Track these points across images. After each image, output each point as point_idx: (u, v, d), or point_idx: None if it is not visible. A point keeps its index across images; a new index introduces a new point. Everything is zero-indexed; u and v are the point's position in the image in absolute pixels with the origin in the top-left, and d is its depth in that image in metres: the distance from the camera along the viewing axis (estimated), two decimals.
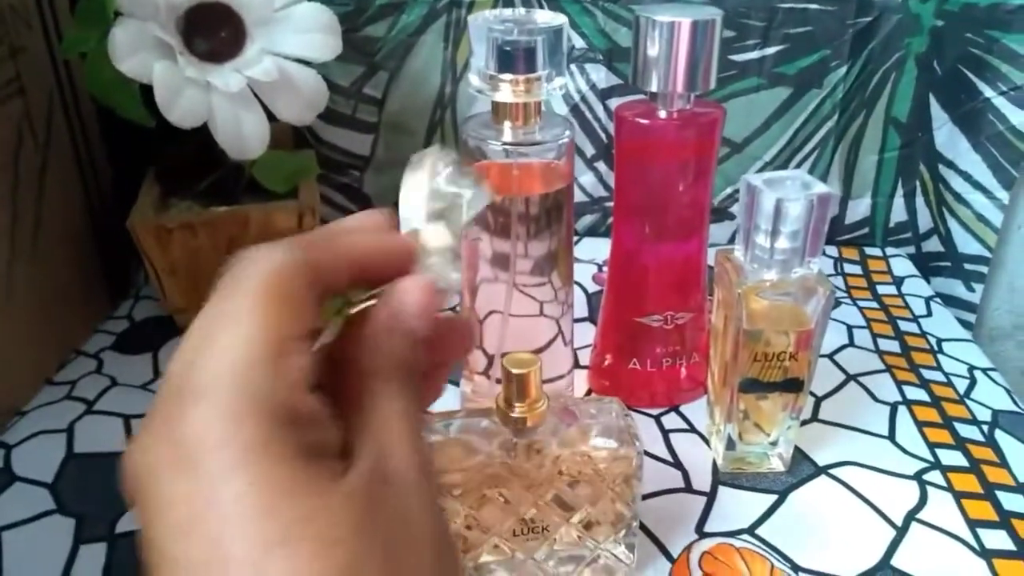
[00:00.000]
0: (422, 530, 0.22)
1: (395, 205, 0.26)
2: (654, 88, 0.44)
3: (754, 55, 0.63)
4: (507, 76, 0.40)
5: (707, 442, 0.48)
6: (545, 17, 0.41)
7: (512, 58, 0.39)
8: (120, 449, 0.46)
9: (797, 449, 0.46)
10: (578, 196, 0.69)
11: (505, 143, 0.42)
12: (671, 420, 0.50)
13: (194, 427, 0.19)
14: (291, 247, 0.22)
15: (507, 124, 0.42)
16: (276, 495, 0.19)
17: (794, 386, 0.43)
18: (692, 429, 0.49)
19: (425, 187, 0.26)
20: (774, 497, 0.44)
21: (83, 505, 0.43)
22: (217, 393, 0.20)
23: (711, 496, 0.44)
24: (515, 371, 0.33)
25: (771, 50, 0.63)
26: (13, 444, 0.47)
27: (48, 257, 0.52)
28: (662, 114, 0.45)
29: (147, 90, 0.47)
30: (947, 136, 0.66)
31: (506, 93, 0.40)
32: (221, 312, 0.21)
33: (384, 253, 0.25)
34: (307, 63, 0.52)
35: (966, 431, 0.49)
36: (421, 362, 0.25)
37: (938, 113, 0.65)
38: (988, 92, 0.63)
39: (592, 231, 0.71)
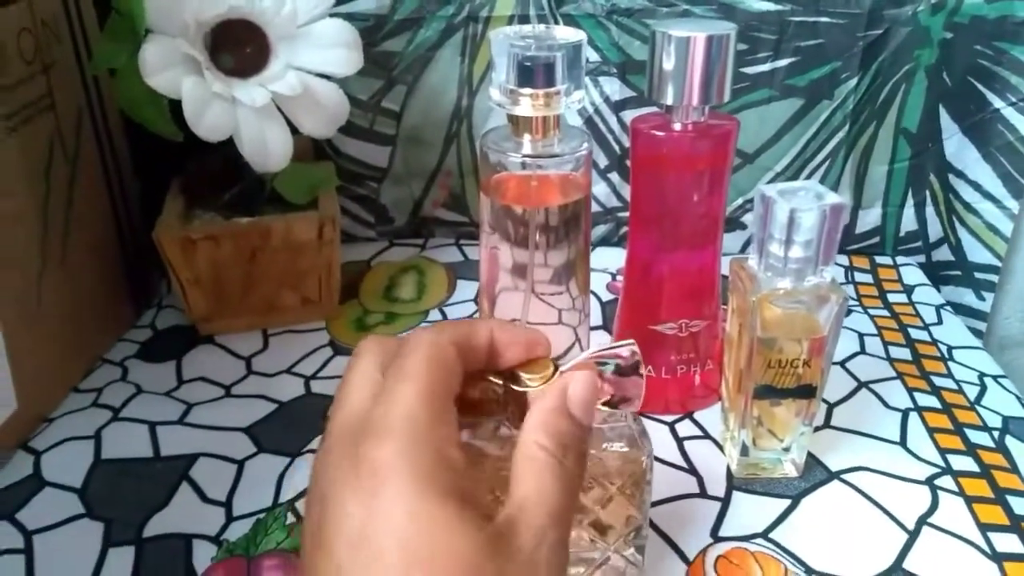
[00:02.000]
0: None
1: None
2: (669, 101, 0.45)
3: (766, 67, 0.64)
4: (527, 90, 0.41)
5: (721, 448, 0.49)
6: (565, 33, 0.42)
7: (532, 73, 0.40)
8: (147, 455, 0.48)
9: (810, 455, 0.47)
10: (592, 206, 0.70)
11: (524, 155, 0.43)
12: (685, 427, 0.51)
13: (378, 457, 0.25)
14: (445, 331, 0.29)
15: (527, 137, 0.43)
16: (428, 525, 0.24)
17: (807, 392, 0.44)
18: (706, 436, 0.50)
19: None
20: (788, 502, 0.45)
21: (112, 509, 0.44)
22: (397, 433, 0.26)
23: (725, 501, 0.45)
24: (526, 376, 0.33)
25: (783, 62, 0.64)
26: (42, 450, 0.48)
27: (76, 267, 0.53)
28: (677, 126, 0.46)
29: (174, 104, 0.48)
30: (957, 146, 0.67)
31: (526, 107, 0.41)
32: (398, 386, 0.27)
33: (514, 343, 0.32)
34: (329, 78, 0.53)
35: (977, 437, 0.49)
36: (584, 443, 0.30)
37: (948, 124, 0.66)
38: (997, 103, 0.64)
39: (605, 241, 0.72)
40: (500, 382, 0.32)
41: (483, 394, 0.33)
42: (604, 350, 0.34)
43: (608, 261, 0.68)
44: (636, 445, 0.36)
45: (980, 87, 0.64)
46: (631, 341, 0.34)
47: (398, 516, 0.24)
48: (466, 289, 0.66)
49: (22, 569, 0.40)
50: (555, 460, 0.28)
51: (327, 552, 0.25)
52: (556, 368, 0.33)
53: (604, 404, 0.35)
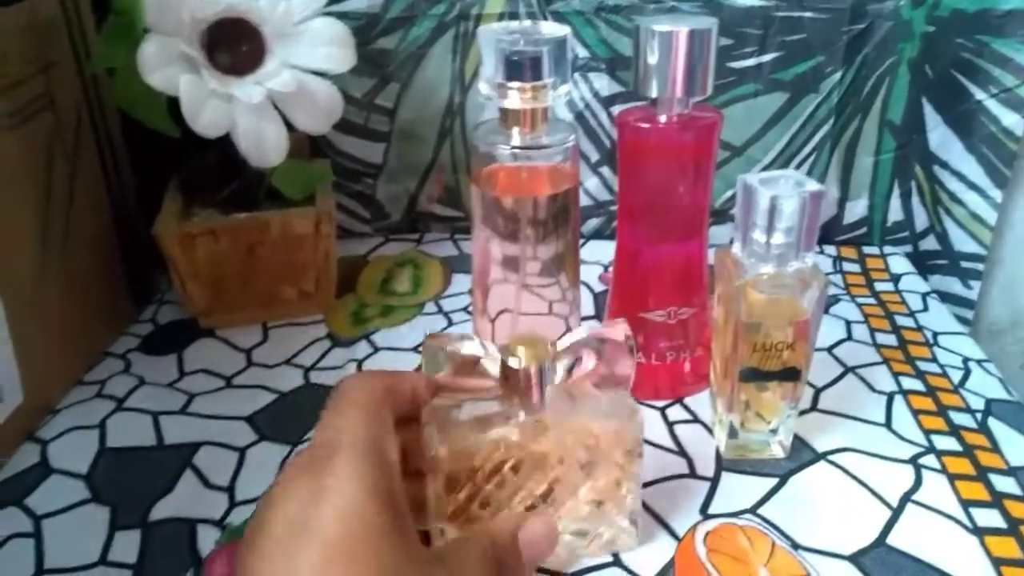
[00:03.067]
0: None
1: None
2: (654, 94, 0.46)
3: (751, 62, 0.65)
4: (515, 84, 0.42)
5: (711, 432, 0.50)
6: (550, 28, 0.43)
7: (520, 67, 0.42)
8: (151, 444, 0.49)
9: (797, 437, 0.48)
10: (583, 200, 0.71)
11: (514, 147, 0.44)
12: (676, 412, 0.52)
13: (329, 457, 0.29)
14: (378, 376, 0.35)
15: (516, 129, 0.44)
16: (363, 527, 0.27)
17: (792, 375, 0.45)
18: (696, 420, 0.51)
19: None
20: (775, 480, 0.46)
21: (117, 495, 0.45)
22: (344, 445, 0.30)
23: (715, 481, 0.46)
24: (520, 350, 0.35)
25: (768, 57, 0.65)
26: (48, 439, 0.49)
27: (76, 264, 0.55)
28: (662, 119, 0.47)
29: (172, 102, 0.50)
30: (941, 138, 0.68)
31: (514, 100, 0.43)
32: (343, 410, 0.32)
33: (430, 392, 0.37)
34: (323, 75, 0.54)
35: (960, 419, 0.51)
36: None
37: (931, 116, 0.67)
38: (980, 95, 0.65)
39: (598, 234, 0.74)
40: (497, 357, 0.35)
41: (481, 374, 0.36)
42: (598, 330, 0.36)
43: (600, 254, 0.69)
44: (629, 420, 0.37)
45: (962, 79, 0.65)
46: (622, 320, 0.36)
47: (337, 511, 0.27)
48: (461, 282, 0.67)
49: (32, 552, 0.42)
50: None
51: (265, 532, 0.28)
52: (552, 346, 0.35)
53: (596, 385, 0.36)
